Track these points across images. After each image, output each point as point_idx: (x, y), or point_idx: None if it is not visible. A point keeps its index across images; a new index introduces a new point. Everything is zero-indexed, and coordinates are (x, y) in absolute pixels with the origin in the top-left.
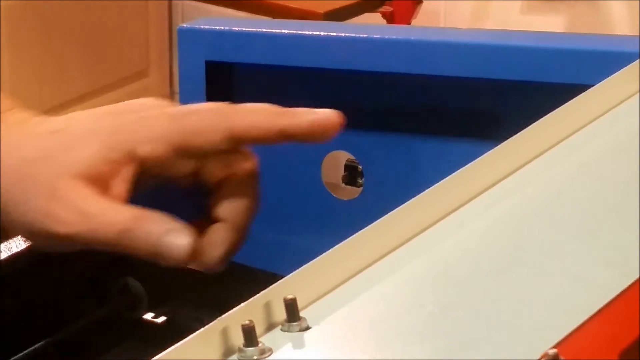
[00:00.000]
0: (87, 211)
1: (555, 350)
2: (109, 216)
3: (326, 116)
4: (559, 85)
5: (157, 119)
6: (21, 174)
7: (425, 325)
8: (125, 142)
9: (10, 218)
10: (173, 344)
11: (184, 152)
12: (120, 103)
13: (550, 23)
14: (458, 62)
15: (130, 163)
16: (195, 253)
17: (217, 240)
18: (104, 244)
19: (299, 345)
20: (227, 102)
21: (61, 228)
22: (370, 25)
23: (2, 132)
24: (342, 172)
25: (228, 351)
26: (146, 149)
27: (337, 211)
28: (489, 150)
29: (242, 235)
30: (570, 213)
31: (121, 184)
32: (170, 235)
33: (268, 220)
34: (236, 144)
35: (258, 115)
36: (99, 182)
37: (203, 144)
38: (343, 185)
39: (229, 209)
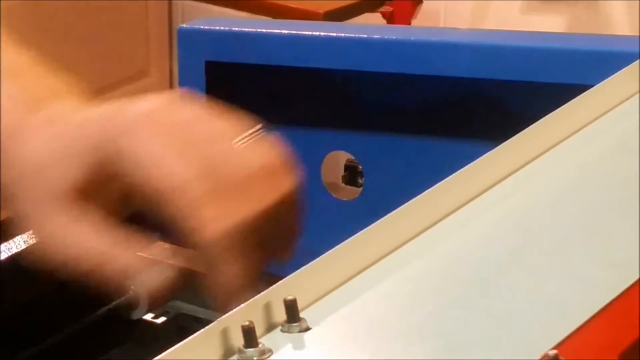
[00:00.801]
0: (63, 240)
1: (555, 351)
2: (83, 251)
3: None
4: (559, 85)
5: (154, 154)
6: (20, 175)
7: (425, 325)
8: (117, 165)
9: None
10: (173, 344)
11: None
12: (127, 102)
13: (550, 23)
14: (458, 62)
15: (118, 187)
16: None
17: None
18: (74, 275)
19: (299, 346)
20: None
21: (37, 250)
22: (370, 25)
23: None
24: (342, 172)
25: (228, 352)
26: (136, 180)
27: (337, 211)
28: (489, 150)
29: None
30: (570, 214)
31: (105, 205)
32: (136, 279)
33: None
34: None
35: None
36: (85, 200)
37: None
38: (343, 185)
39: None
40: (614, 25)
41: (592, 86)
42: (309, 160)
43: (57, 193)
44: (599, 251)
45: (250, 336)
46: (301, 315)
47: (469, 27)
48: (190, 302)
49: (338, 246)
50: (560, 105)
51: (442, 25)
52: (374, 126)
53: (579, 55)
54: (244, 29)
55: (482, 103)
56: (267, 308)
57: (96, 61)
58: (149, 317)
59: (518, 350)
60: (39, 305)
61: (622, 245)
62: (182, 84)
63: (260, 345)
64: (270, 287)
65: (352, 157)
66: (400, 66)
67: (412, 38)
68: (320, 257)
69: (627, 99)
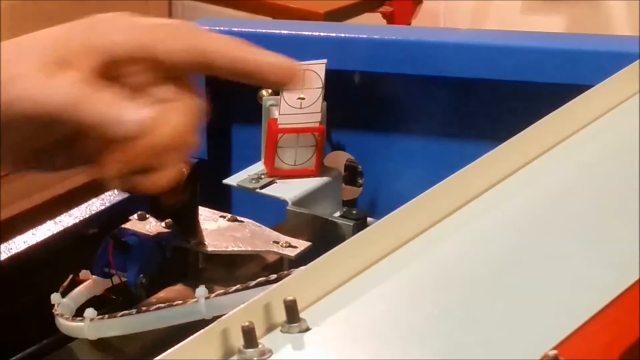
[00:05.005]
0: (39, 80)
1: (555, 352)
2: (59, 85)
3: (289, 64)
4: (559, 85)
5: (127, 21)
6: None
7: (425, 326)
8: (94, 34)
9: None
10: (173, 345)
11: (145, 56)
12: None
13: (550, 23)
14: (458, 62)
15: (92, 54)
16: (146, 129)
17: (167, 117)
18: (51, 113)
19: (299, 346)
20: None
21: (13, 90)
22: (370, 25)
23: None
24: (342, 172)
25: (228, 352)
26: (110, 42)
27: None
28: (489, 150)
29: (193, 120)
30: (571, 214)
31: (82, 70)
32: (122, 109)
33: (269, 220)
34: (195, 66)
35: (227, 44)
36: (64, 62)
37: (166, 54)
38: (343, 185)
39: (177, 92)
40: (614, 25)
41: (592, 86)
42: None
43: (38, 55)
44: (599, 251)
45: (250, 336)
46: (301, 315)
47: (469, 27)
48: None
49: (337, 247)
50: (560, 105)
51: (442, 25)
52: (374, 126)
53: (579, 55)
54: (243, 29)
55: (482, 103)
56: (267, 309)
57: None
58: None
59: (518, 350)
60: (38, 305)
61: (622, 245)
62: None
63: (260, 346)
64: (270, 288)
65: (352, 157)
66: (400, 66)
67: (412, 38)
68: (320, 258)
69: (627, 99)
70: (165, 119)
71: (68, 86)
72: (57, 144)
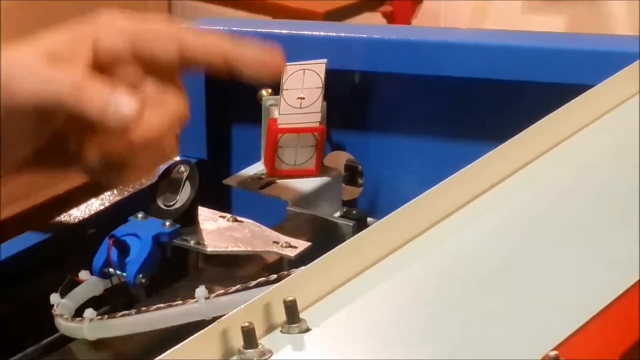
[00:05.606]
0: (39, 71)
1: (556, 352)
2: (59, 76)
3: (270, 55)
4: (559, 85)
5: (115, 25)
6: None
7: (425, 326)
8: (89, 31)
9: None
10: (173, 345)
11: (131, 58)
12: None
13: (550, 23)
14: (458, 62)
15: (89, 50)
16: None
17: (150, 117)
18: (53, 102)
19: (299, 347)
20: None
21: (12, 84)
22: (370, 25)
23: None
24: (342, 172)
25: (228, 353)
26: (106, 41)
27: None
28: (489, 150)
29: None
30: (571, 214)
31: (77, 65)
32: (117, 97)
33: (269, 220)
34: (183, 61)
35: (211, 39)
36: (58, 59)
37: (155, 50)
38: (343, 185)
39: (165, 88)
40: (614, 25)
41: (592, 86)
42: None
43: (37, 48)
44: (599, 252)
45: (250, 337)
46: (301, 316)
47: (469, 27)
48: None
49: (338, 247)
50: (560, 105)
51: (442, 25)
52: (374, 126)
53: (579, 55)
54: (243, 29)
55: (482, 103)
56: (267, 309)
57: None
58: None
59: (519, 351)
60: (38, 306)
61: (623, 246)
62: None
63: (260, 346)
64: (271, 288)
65: (352, 157)
66: (401, 66)
67: (413, 38)
68: (320, 258)
69: (627, 99)
70: (148, 119)
71: (68, 76)
72: (54, 139)
